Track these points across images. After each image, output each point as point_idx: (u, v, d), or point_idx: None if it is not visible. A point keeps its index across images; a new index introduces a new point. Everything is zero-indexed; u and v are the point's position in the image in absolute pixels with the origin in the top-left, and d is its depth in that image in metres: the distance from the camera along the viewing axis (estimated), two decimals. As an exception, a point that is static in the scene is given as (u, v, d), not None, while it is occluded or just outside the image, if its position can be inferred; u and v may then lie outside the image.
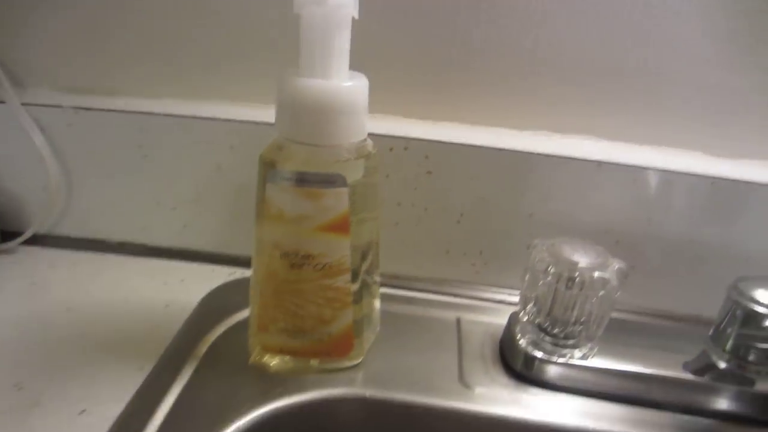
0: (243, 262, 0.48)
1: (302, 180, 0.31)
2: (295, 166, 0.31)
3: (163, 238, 0.50)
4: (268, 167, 0.31)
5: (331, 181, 0.30)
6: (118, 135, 0.46)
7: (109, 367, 0.36)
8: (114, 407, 0.33)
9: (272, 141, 0.32)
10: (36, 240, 0.49)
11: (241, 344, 0.37)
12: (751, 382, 0.37)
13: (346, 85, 0.30)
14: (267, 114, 0.46)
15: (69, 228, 0.50)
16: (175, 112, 0.45)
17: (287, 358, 0.35)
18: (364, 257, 0.34)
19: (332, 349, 0.35)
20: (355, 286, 0.33)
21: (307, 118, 0.30)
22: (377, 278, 0.38)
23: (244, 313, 0.40)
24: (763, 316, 0.36)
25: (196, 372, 0.35)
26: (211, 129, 0.45)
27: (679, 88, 0.44)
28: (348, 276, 0.33)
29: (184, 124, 0.45)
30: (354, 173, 0.31)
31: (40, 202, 0.49)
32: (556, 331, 0.37)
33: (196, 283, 0.45)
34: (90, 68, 0.47)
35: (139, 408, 0.33)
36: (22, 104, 0.46)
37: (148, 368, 0.36)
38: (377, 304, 0.38)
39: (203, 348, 0.37)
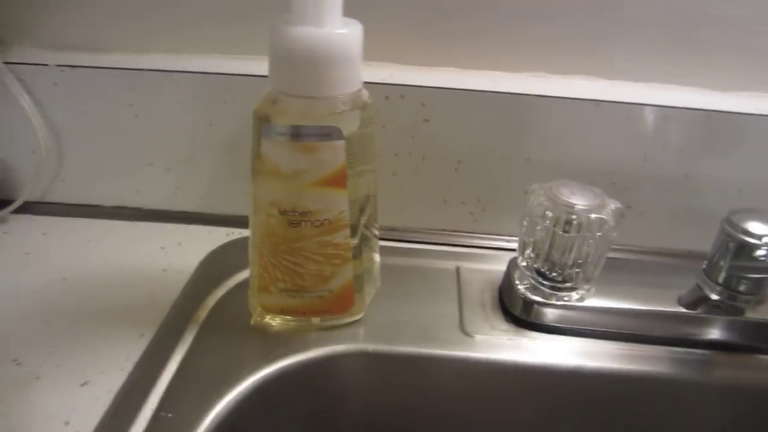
0: (240, 222, 0.48)
1: (297, 134, 0.30)
2: (290, 119, 0.30)
3: (158, 201, 0.49)
4: (262, 122, 0.30)
5: (326, 134, 0.30)
6: (108, 93, 0.45)
7: (109, 336, 0.36)
8: (116, 377, 0.33)
9: (265, 94, 0.31)
10: (27, 208, 0.48)
11: (241, 306, 0.37)
12: (742, 312, 0.38)
13: (339, 32, 0.28)
14: (260, 66, 0.44)
15: (61, 194, 0.49)
16: (164, 67, 0.44)
17: (289, 317, 0.36)
18: (362, 211, 0.34)
19: (333, 306, 0.35)
20: (354, 241, 0.34)
21: (300, 68, 0.29)
22: (376, 231, 0.38)
23: (243, 275, 0.40)
24: (754, 246, 0.36)
25: (197, 337, 0.35)
26: (203, 84, 0.44)
27: (673, 23, 0.42)
28: (347, 231, 0.33)
29: (175, 79, 0.44)
30: (350, 125, 0.31)
31: (29, 168, 0.48)
32: (554, 274, 0.37)
33: (194, 245, 0.45)
34: (75, 24, 0.45)
35: (142, 376, 0.33)
36: (5, 63, 0.44)
37: (149, 335, 0.36)
38: (377, 257, 0.39)
39: (204, 312, 0.37)
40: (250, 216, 0.34)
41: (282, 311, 0.36)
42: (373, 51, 0.39)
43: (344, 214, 0.32)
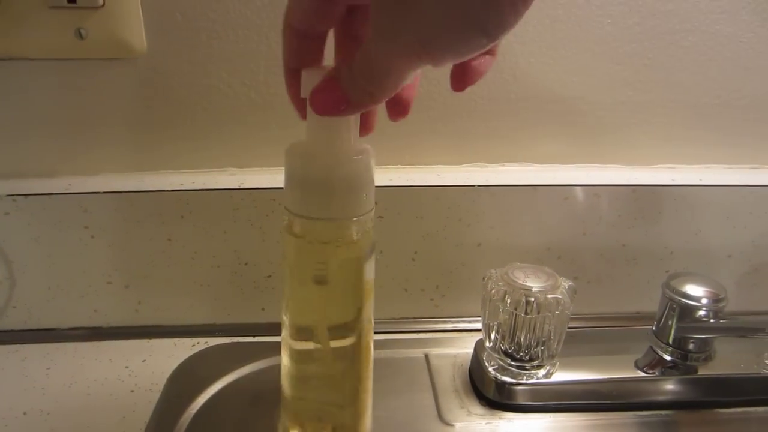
0: (204, 331, 0.48)
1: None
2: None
3: (117, 318, 0.48)
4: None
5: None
6: (62, 217, 0.45)
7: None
8: None
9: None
10: (-22, 340, 0.46)
11: (218, 422, 0.36)
12: (695, 370, 0.41)
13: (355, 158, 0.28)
14: (215, 180, 0.46)
15: (14, 321, 0.48)
16: (119, 187, 0.45)
17: None
18: None
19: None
20: None
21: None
22: None
23: (215, 388, 0.40)
24: (695, 308, 0.40)
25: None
26: (159, 200, 0.45)
27: (586, 111, 0.48)
28: None
29: (130, 198, 0.45)
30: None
31: (-21, 299, 0.46)
32: (520, 354, 0.39)
33: (160, 360, 0.44)
34: (23, 152, 0.45)
35: None
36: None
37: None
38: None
39: (182, 429, 0.36)
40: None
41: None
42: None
43: None
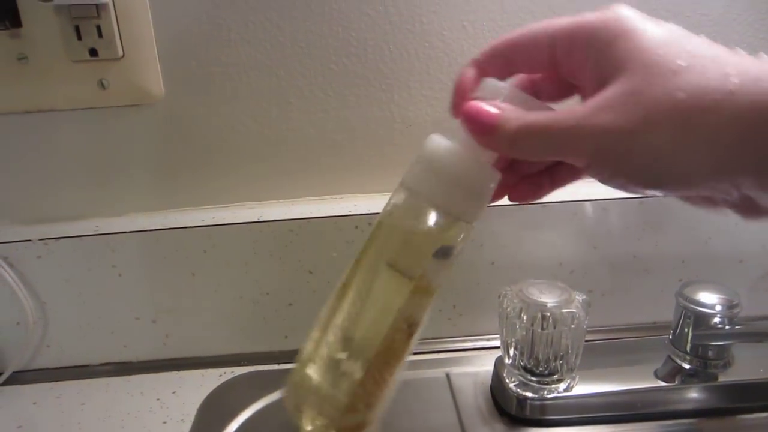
0: (231, 361, 0.49)
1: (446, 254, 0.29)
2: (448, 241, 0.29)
3: (147, 353, 0.50)
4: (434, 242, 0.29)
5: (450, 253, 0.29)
6: (90, 258, 0.47)
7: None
8: None
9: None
10: (16, 378, 0.48)
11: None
12: (715, 377, 0.42)
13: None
14: (233, 214, 0.48)
15: (49, 360, 0.50)
16: (144, 226, 0.47)
17: None
18: None
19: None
20: None
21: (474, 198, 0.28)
22: None
23: (245, 415, 0.41)
24: (710, 316, 0.41)
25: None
26: (183, 237, 0.47)
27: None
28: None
29: (155, 236, 0.47)
30: None
31: (15, 339, 0.48)
32: (540, 369, 0.40)
33: (189, 392, 0.46)
34: (52, 197, 0.48)
35: None
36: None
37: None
38: None
39: (216, 457, 0.38)
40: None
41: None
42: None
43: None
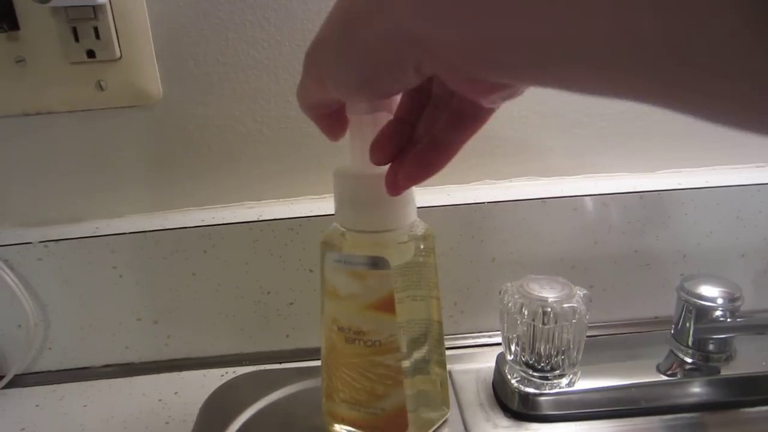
0: (232, 361, 0.50)
1: (348, 262, 0.34)
2: (346, 249, 0.34)
3: (148, 353, 0.50)
4: (325, 248, 0.35)
5: (374, 263, 0.33)
6: (91, 260, 0.47)
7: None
8: None
9: (332, 228, 0.35)
10: (18, 381, 0.48)
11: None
12: (718, 371, 0.42)
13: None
14: (232, 214, 0.48)
15: (50, 362, 0.50)
16: (143, 227, 0.47)
17: (352, 429, 0.37)
18: (422, 335, 0.36)
19: (387, 426, 0.36)
20: (406, 364, 0.35)
21: (358, 209, 0.33)
22: (441, 356, 0.39)
23: (247, 414, 0.41)
24: (711, 309, 0.40)
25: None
26: (183, 237, 0.47)
27: (594, 122, 0.49)
28: (399, 354, 0.34)
29: (155, 237, 0.47)
30: (403, 255, 0.34)
31: (17, 342, 0.48)
32: (542, 365, 0.40)
33: (191, 392, 0.46)
34: (52, 200, 0.48)
35: None
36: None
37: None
38: (440, 383, 0.39)
39: (219, 457, 0.38)
40: (321, 329, 0.37)
41: (343, 420, 0.37)
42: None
43: (394, 337, 0.34)
